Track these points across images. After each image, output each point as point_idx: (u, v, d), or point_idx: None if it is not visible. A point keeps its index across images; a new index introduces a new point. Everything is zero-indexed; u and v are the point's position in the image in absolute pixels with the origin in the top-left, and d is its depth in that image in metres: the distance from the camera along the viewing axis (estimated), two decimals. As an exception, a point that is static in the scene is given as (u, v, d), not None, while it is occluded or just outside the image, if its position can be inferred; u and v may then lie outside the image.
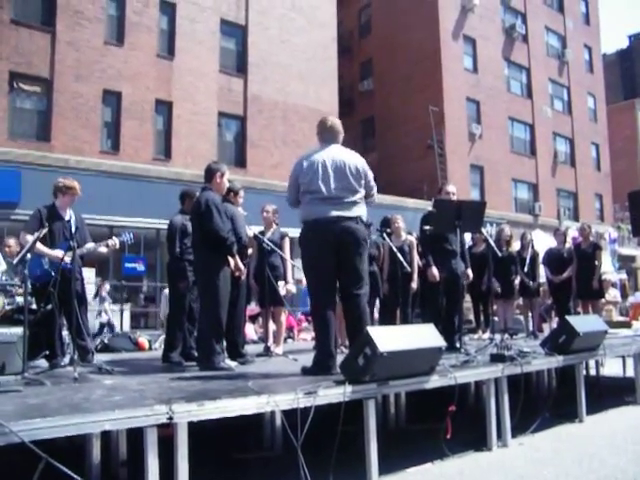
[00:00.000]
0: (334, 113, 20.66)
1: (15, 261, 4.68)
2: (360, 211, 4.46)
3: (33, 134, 15.90)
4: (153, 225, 15.39)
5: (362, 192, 4.50)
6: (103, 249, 5.86)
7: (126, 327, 14.90)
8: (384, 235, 7.39)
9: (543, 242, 11.60)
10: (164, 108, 17.95)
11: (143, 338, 9.44)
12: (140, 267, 16.29)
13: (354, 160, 4.52)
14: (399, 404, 5.50)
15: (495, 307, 9.02)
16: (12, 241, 6.90)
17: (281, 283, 6.67)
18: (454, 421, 4.22)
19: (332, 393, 3.56)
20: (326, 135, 4.64)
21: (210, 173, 5.24)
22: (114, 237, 6.00)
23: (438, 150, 24.28)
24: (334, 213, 4.33)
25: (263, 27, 20.12)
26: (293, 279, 6.97)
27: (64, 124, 15.96)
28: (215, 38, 19.17)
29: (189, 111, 18.23)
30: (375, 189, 4.66)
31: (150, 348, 9.17)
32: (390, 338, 3.79)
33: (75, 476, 2.66)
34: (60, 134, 15.89)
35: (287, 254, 6.77)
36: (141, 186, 15.97)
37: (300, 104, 20.37)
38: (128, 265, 16.08)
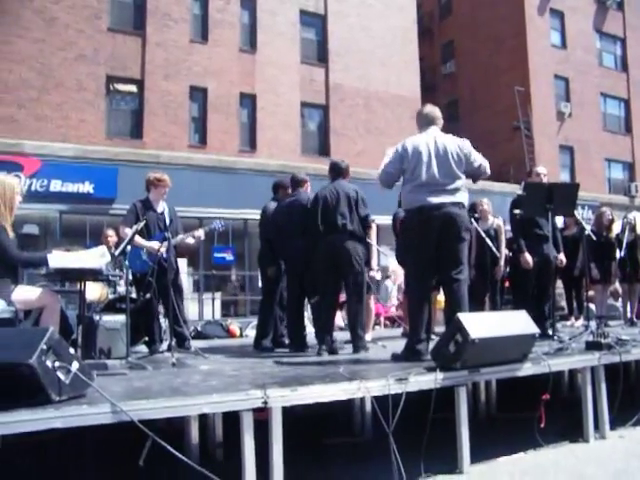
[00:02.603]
0: (416, 98, 20.40)
1: (117, 253, 4.98)
2: (463, 197, 4.50)
3: (127, 132, 16.71)
4: (241, 215, 15.78)
5: (463, 178, 4.53)
6: (190, 240, 6.07)
7: (217, 315, 15.51)
8: (472, 220, 7.23)
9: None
10: (248, 101, 18.32)
11: (234, 325, 9.75)
12: (229, 256, 16.77)
13: (455, 145, 4.57)
14: (489, 392, 5.41)
15: (592, 293, 8.64)
16: (111, 232, 7.14)
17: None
18: (547, 410, 4.10)
19: (423, 380, 3.56)
20: (424, 122, 4.78)
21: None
22: (200, 229, 6.20)
23: (525, 131, 23.38)
24: (438, 200, 4.36)
25: (342, 15, 20.06)
26: (378, 266, 6.95)
27: (155, 121, 16.66)
28: (295, 29, 19.32)
29: (272, 103, 18.51)
30: (483, 161, 4.71)
31: (241, 335, 9.47)
32: (481, 324, 3.74)
33: (180, 456, 2.81)
34: (151, 131, 16.60)
35: (373, 240, 6.76)
36: (228, 178, 16.42)
37: (382, 90, 20.19)
38: (217, 255, 16.60)
